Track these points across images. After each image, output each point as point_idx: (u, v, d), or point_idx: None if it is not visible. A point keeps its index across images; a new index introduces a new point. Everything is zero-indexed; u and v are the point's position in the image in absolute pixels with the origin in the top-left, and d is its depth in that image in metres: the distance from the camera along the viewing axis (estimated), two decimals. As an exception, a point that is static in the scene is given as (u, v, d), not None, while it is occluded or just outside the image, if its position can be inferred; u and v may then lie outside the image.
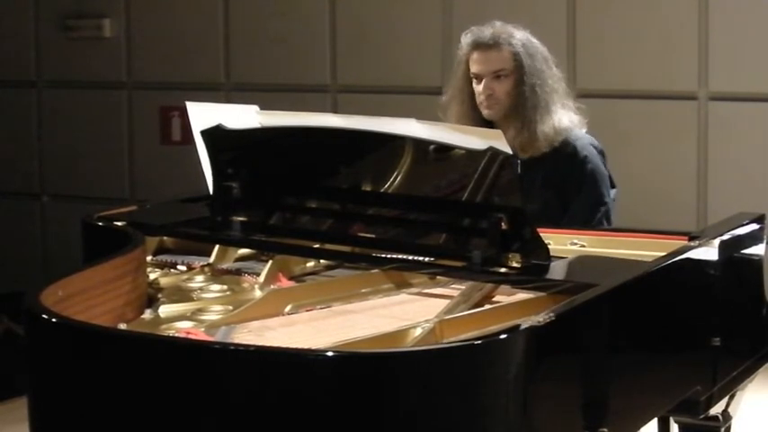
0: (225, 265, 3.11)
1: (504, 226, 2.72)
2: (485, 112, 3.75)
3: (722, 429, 3.05)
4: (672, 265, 2.73)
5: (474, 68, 3.75)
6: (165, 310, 2.73)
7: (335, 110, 6.42)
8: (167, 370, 2.19)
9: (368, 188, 2.99)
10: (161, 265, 3.14)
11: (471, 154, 2.74)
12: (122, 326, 2.57)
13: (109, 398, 2.24)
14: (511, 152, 2.70)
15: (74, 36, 7.40)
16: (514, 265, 2.72)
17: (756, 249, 3.09)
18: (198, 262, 3.14)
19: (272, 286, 2.89)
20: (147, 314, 2.72)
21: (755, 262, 3.10)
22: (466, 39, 3.79)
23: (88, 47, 7.36)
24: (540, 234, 2.75)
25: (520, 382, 2.20)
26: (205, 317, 2.68)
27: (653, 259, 2.77)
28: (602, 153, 3.78)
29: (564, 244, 3.12)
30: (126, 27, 7.27)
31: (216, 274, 3.05)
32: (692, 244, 2.88)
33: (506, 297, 2.76)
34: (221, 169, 3.15)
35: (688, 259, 2.80)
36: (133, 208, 3.50)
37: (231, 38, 6.96)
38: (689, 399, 2.79)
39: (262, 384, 2.12)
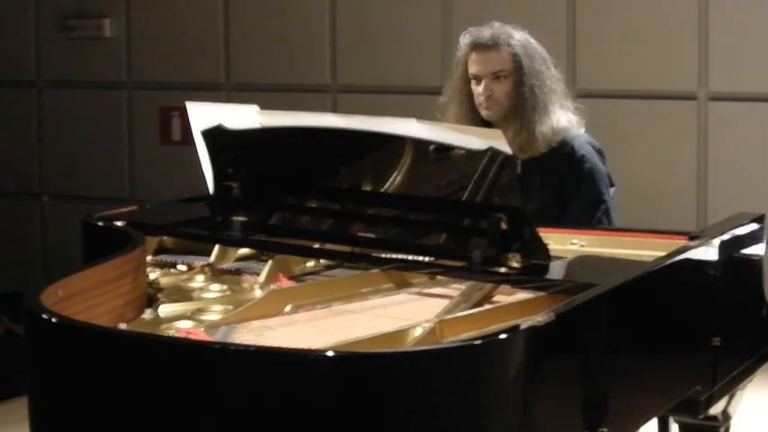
0: (225, 265, 3.11)
1: (503, 226, 2.72)
2: (484, 113, 3.74)
3: (722, 429, 3.06)
4: (672, 265, 2.73)
5: (473, 69, 3.75)
6: (165, 310, 2.73)
7: (335, 110, 6.42)
8: (167, 370, 2.19)
9: (368, 188, 2.99)
10: (161, 265, 3.14)
11: (471, 154, 2.74)
12: (122, 326, 2.57)
13: (109, 398, 2.24)
14: (511, 152, 2.70)
15: (74, 36, 7.40)
16: (514, 265, 2.72)
17: (756, 249, 3.09)
18: (198, 262, 3.14)
19: (272, 286, 2.89)
20: (147, 314, 2.72)
21: (755, 262, 3.10)
22: (464, 39, 3.79)
23: (88, 47, 7.37)
24: (540, 234, 2.75)
25: (520, 382, 2.20)
26: (205, 317, 2.68)
27: (653, 259, 2.77)
28: (600, 152, 3.78)
29: (564, 244, 3.13)
30: (126, 27, 7.27)
31: (216, 274, 3.05)
32: (692, 244, 2.89)
33: (506, 297, 2.76)
34: (221, 169, 3.15)
35: (688, 259, 2.80)
36: (133, 208, 3.50)
37: (231, 38, 6.96)
38: (689, 398, 2.79)
39: (262, 384, 2.12)
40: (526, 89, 3.69)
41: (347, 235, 3.00)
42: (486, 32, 3.75)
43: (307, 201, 3.10)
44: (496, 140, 2.71)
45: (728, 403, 3.04)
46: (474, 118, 3.76)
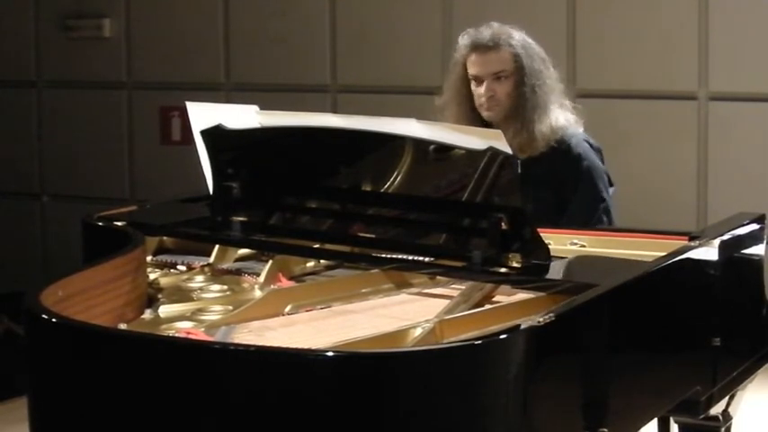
0: (225, 265, 3.11)
1: (504, 226, 2.72)
2: (485, 114, 3.74)
3: (722, 429, 3.05)
4: (672, 265, 2.73)
5: (473, 70, 3.75)
6: (165, 310, 2.73)
7: (335, 110, 6.42)
8: (167, 370, 2.19)
9: (368, 188, 2.99)
10: (161, 265, 3.14)
11: (471, 154, 2.74)
12: (122, 326, 2.57)
13: (109, 398, 2.24)
14: (511, 152, 2.70)
15: (74, 36, 7.41)
16: (514, 265, 2.72)
17: (756, 249, 3.09)
18: (198, 262, 3.14)
19: (272, 286, 2.89)
20: (147, 314, 2.72)
21: (755, 262, 3.10)
22: (463, 40, 3.78)
23: (88, 47, 7.37)
24: (540, 234, 2.75)
25: (520, 382, 2.20)
26: (205, 317, 2.68)
27: (653, 259, 2.77)
28: (598, 150, 3.77)
29: (564, 244, 3.12)
30: (126, 27, 7.27)
31: (216, 274, 3.05)
32: (692, 244, 2.88)
33: (506, 297, 2.76)
34: (221, 169, 3.15)
35: (688, 259, 2.80)
36: (133, 208, 3.50)
37: (231, 38, 6.96)
38: (689, 399, 2.79)
39: (262, 384, 2.12)
40: (527, 89, 3.69)
41: (347, 235, 3.00)
42: (485, 33, 3.74)
43: (307, 201, 3.10)
44: (496, 140, 2.71)
45: (729, 403, 3.04)
46: (474, 119, 3.76)
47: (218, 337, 2.50)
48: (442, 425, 2.13)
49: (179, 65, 7.06)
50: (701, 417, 2.88)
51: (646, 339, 2.66)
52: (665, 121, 5.91)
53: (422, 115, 3.00)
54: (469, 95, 3.76)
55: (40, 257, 7.64)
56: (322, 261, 3.12)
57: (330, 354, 2.14)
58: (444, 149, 2.83)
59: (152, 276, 2.99)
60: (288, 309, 2.72)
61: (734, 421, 3.11)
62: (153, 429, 2.20)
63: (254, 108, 3.13)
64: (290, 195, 3.12)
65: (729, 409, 3.06)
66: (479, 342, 2.18)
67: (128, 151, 7.35)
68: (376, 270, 2.92)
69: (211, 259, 3.14)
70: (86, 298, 2.56)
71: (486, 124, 3.72)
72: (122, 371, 2.23)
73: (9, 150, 7.70)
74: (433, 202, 2.87)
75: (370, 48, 6.55)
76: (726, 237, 2.92)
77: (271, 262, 2.98)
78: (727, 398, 3.00)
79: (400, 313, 2.68)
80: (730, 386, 2.96)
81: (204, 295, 2.86)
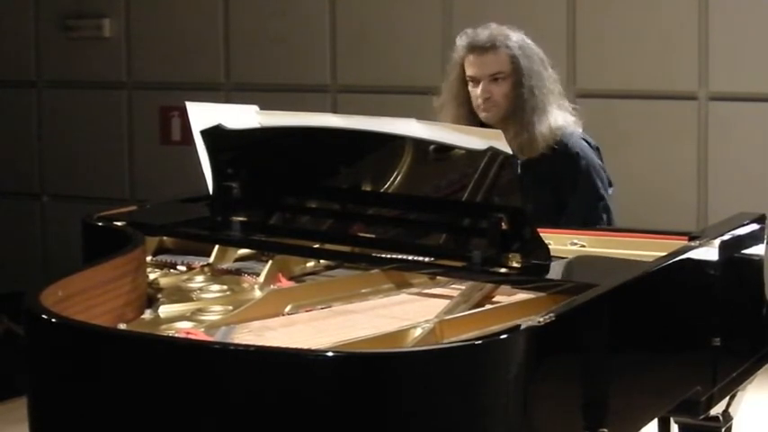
0: (225, 265, 3.11)
1: (504, 226, 2.72)
2: (482, 115, 3.73)
3: (723, 430, 3.05)
4: (672, 265, 2.73)
5: (470, 71, 3.74)
6: (165, 310, 2.73)
7: (335, 110, 6.42)
8: (167, 370, 2.19)
9: (368, 188, 2.99)
10: (161, 265, 3.14)
11: (471, 154, 2.74)
12: (122, 326, 2.57)
13: (109, 398, 2.24)
14: (511, 152, 2.70)
15: (74, 36, 7.41)
16: (514, 265, 2.72)
17: (756, 249, 3.09)
18: (198, 262, 3.13)
19: (272, 286, 2.89)
20: (147, 314, 2.72)
21: (756, 262, 3.10)
22: (461, 41, 3.77)
23: (88, 47, 7.37)
24: (540, 234, 2.75)
25: (520, 382, 2.20)
26: (205, 317, 2.68)
27: (653, 259, 2.77)
28: (596, 149, 3.77)
29: (564, 244, 3.12)
30: (126, 27, 7.27)
31: (216, 274, 3.05)
32: (692, 244, 2.88)
33: (506, 297, 2.76)
34: (221, 169, 3.15)
35: (688, 259, 2.80)
36: (133, 208, 3.50)
37: (231, 38, 6.96)
38: (689, 399, 2.79)
39: (262, 384, 2.12)
40: (525, 90, 3.68)
41: (347, 235, 3.00)
42: (483, 34, 3.73)
43: (307, 201, 3.10)
44: (496, 140, 2.71)
45: (729, 404, 3.04)
46: (472, 119, 3.75)
47: (218, 337, 2.50)
48: (442, 425, 2.13)
49: (179, 65, 7.07)
50: (702, 417, 2.88)
51: (646, 339, 2.66)
52: (665, 121, 5.91)
53: (422, 115, 2.99)
54: (467, 96, 3.76)
55: (40, 257, 7.65)
56: (322, 261, 3.12)
57: (330, 354, 2.14)
58: (444, 149, 2.83)
59: (152, 276, 2.99)
60: (288, 309, 2.72)
61: (734, 421, 3.11)
62: (153, 429, 2.20)
63: (254, 108, 3.13)
64: (290, 195, 3.12)
65: (730, 410, 3.06)
66: (479, 342, 2.18)
67: (128, 151, 7.35)
68: (376, 270, 2.92)
69: (211, 259, 3.14)
70: (86, 298, 2.56)
71: (483, 125, 3.71)
72: (122, 371, 2.23)
73: (9, 150, 7.71)
74: (432, 202, 2.87)
75: (370, 48, 6.55)
76: (726, 237, 2.92)
77: (271, 262, 2.98)
78: (727, 398, 3.00)
79: (400, 313, 2.68)
80: (730, 386, 2.96)
81: (204, 295, 2.86)
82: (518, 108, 3.69)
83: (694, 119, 5.83)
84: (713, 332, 2.85)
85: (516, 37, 3.74)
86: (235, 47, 6.95)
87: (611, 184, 3.78)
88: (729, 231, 2.98)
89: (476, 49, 3.72)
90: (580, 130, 3.78)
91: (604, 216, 3.70)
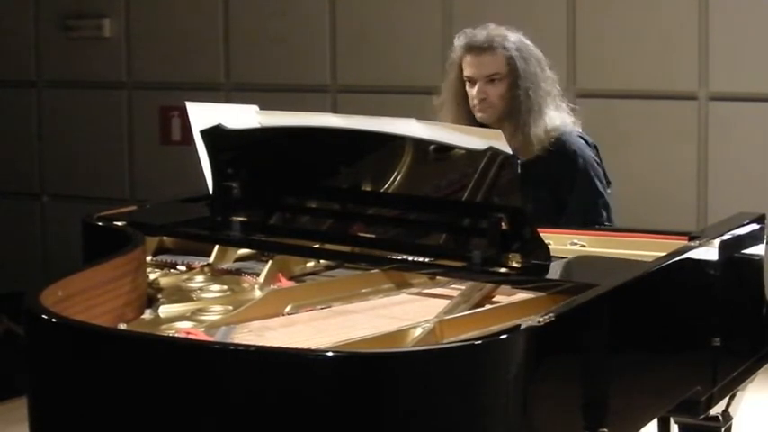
0: (225, 265, 3.11)
1: (504, 226, 2.72)
2: (478, 116, 3.73)
3: (722, 430, 3.05)
4: (672, 265, 2.73)
5: (467, 71, 3.74)
6: (165, 310, 2.73)
7: (335, 110, 6.42)
8: (167, 370, 2.19)
9: (368, 188, 2.99)
10: (161, 265, 3.14)
11: (471, 154, 2.74)
12: (122, 326, 2.57)
13: (109, 398, 2.24)
14: (511, 152, 2.70)
15: (74, 36, 7.41)
16: (514, 265, 2.72)
17: (756, 249, 3.09)
18: (198, 262, 3.14)
19: (272, 286, 2.89)
20: (147, 314, 2.72)
21: (755, 262, 3.10)
22: (459, 41, 3.77)
23: (88, 47, 7.37)
24: (540, 234, 2.75)
25: (520, 382, 2.20)
26: (205, 317, 2.68)
27: (653, 259, 2.77)
28: (594, 147, 3.77)
29: (564, 244, 3.12)
30: (126, 27, 7.27)
31: (216, 274, 3.05)
32: (692, 244, 2.88)
33: (506, 297, 2.76)
34: (221, 169, 3.15)
35: (688, 259, 2.80)
36: (133, 208, 3.50)
37: (231, 38, 6.96)
38: (689, 399, 2.79)
39: (262, 384, 2.12)
40: (521, 92, 3.68)
41: (347, 235, 3.00)
42: (480, 34, 3.73)
43: (307, 201, 3.10)
44: (496, 140, 2.71)
45: (729, 404, 3.04)
46: (469, 120, 3.75)
47: (218, 337, 2.50)
48: (442, 425, 2.13)
49: (179, 65, 7.07)
50: (701, 417, 2.88)
51: (646, 339, 2.66)
52: (665, 121, 5.91)
53: (422, 115, 2.99)
54: (465, 97, 3.75)
55: (40, 257, 7.65)
56: (322, 261, 3.12)
57: (330, 354, 2.14)
58: (444, 149, 2.83)
59: (152, 276, 2.99)
60: (288, 309, 2.72)
61: (734, 421, 3.11)
62: (153, 429, 2.20)
63: (254, 108, 3.13)
64: (290, 195, 3.12)
65: (729, 410, 3.06)
66: (479, 342, 2.18)
67: (128, 151, 7.35)
68: (376, 270, 2.92)
69: (211, 259, 3.14)
70: (86, 298, 2.56)
71: (481, 125, 3.71)
72: (122, 371, 2.23)
73: (9, 150, 7.71)
74: (432, 202, 2.87)
75: (370, 48, 6.55)
76: (726, 237, 2.92)
77: (271, 262, 2.98)
78: (727, 398, 3.00)
79: (400, 313, 2.68)
80: (730, 386, 2.96)
81: (204, 295, 2.86)
82: (514, 109, 3.69)
83: (694, 119, 5.83)
84: (713, 332, 2.85)
85: (514, 38, 3.74)
86: (235, 47, 6.95)
87: (609, 184, 3.77)
88: (729, 231, 2.98)
89: (473, 49, 3.72)
90: (579, 130, 3.78)
91: (604, 213, 3.70)
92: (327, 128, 3.03)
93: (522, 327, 2.21)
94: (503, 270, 2.72)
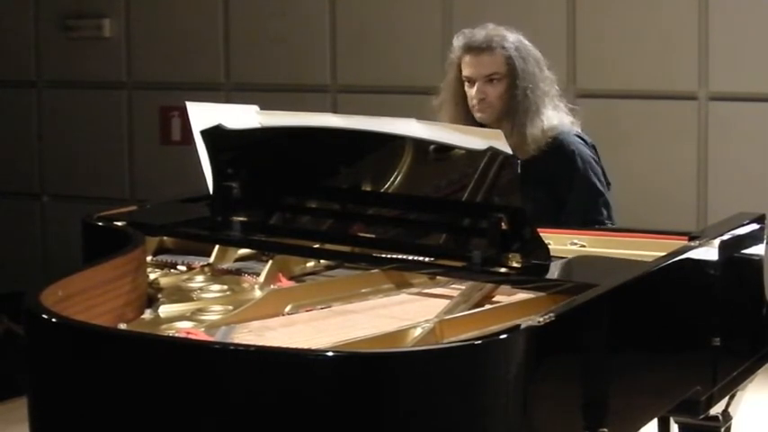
0: (225, 265, 3.11)
1: (504, 226, 2.72)
2: (477, 116, 3.73)
3: (722, 429, 3.05)
4: (672, 265, 2.73)
5: (466, 71, 3.74)
6: (165, 310, 2.73)
7: (335, 110, 6.42)
8: (167, 370, 2.19)
9: (368, 188, 2.99)
10: (161, 265, 3.14)
11: (471, 154, 2.74)
12: (122, 326, 2.57)
13: (109, 398, 2.24)
14: (511, 152, 2.70)
15: (74, 36, 7.41)
16: (514, 265, 2.72)
17: (756, 249, 3.09)
18: (198, 262, 3.14)
19: (272, 286, 2.89)
20: (147, 314, 2.72)
21: (755, 262, 3.10)
22: (458, 41, 3.77)
23: (88, 47, 7.37)
24: (540, 234, 2.75)
25: (520, 382, 2.20)
26: (205, 317, 2.68)
27: (653, 259, 2.77)
28: (592, 147, 3.77)
29: (564, 244, 3.12)
30: (126, 27, 7.27)
31: (216, 274, 3.05)
32: (692, 244, 2.88)
33: (506, 297, 2.76)
34: (221, 169, 3.15)
35: (688, 259, 2.80)
36: (133, 208, 3.50)
37: (231, 38, 6.96)
38: (689, 399, 2.79)
39: (262, 384, 2.12)
40: (519, 92, 3.68)
41: (347, 235, 3.00)
42: (479, 34, 3.73)
43: (307, 201, 3.10)
44: (496, 140, 2.71)
45: (729, 403, 3.04)
46: (468, 120, 3.75)
47: (218, 337, 2.50)
48: (441, 425, 2.13)
49: (179, 65, 7.06)
50: (701, 417, 2.88)
51: (646, 339, 2.66)
52: (665, 121, 5.91)
53: (422, 115, 3.00)
54: (464, 96, 3.75)
55: (40, 257, 7.64)
56: (322, 261, 3.12)
57: (330, 354, 2.14)
58: (444, 149, 2.83)
59: (152, 276, 2.99)
60: (288, 309, 2.72)
61: (734, 421, 3.11)
62: (153, 429, 2.20)
63: (254, 108, 3.13)
64: (290, 195, 3.12)
65: (729, 409, 3.06)
66: (479, 342, 2.18)
67: (128, 151, 7.35)
68: (376, 270, 2.92)
69: (211, 259, 3.14)
70: (86, 298, 2.56)
71: (480, 125, 3.71)
72: (122, 371, 2.23)
73: (9, 150, 7.71)
74: (432, 202, 2.87)
75: (370, 48, 6.55)
76: (726, 237, 2.92)
77: (271, 262, 2.98)
78: (727, 398, 3.00)
79: (400, 313, 2.68)
80: (730, 386, 2.96)
81: (204, 295, 2.86)
82: (512, 109, 3.69)
83: (694, 119, 5.83)
84: (713, 332, 2.85)
85: (513, 38, 3.74)
86: (235, 47, 6.95)
87: (608, 185, 3.77)
88: (729, 231, 2.98)
89: (472, 49, 3.72)
90: (578, 130, 3.78)
91: (605, 211, 3.69)
92: (327, 128, 3.03)
93: (522, 327, 2.21)
94: (503, 270, 2.72)
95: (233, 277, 3.01)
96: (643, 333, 2.64)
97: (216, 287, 2.91)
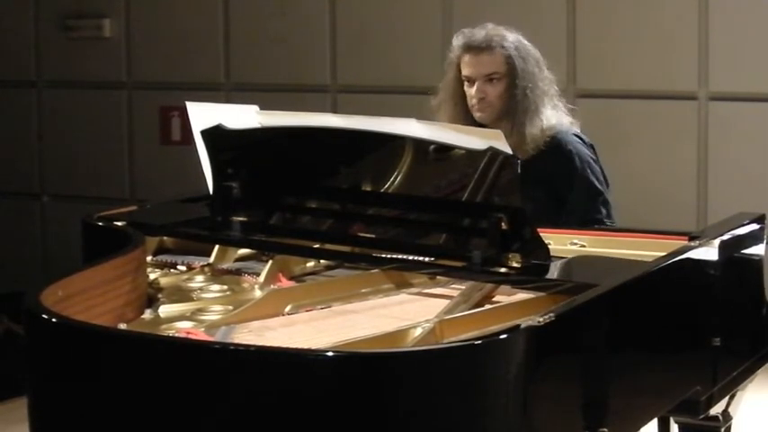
0: (225, 265, 3.11)
1: (504, 226, 2.72)
2: (476, 115, 3.73)
3: (722, 429, 3.05)
4: (672, 265, 2.73)
5: (466, 71, 3.74)
6: (165, 310, 2.73)
7: (335, 110, 6.42)
8: (167, 370, 2.19)
9: (368, 188, 2.99)
10: (161, 265, 3.14)
11: (471, 154, 2.74)
12: (122, 326, 2.57)
13: (109, 398, 2.24)
14: (511, 152, 2.70)
15: (74, 36, 7.40)
16: (514, 265, 2.72)
17: (756, 249, 3.09)
18: (198, 262, 3.14)
19: (272, 286, 2.89)
20: (147, 314, 2.72)
21: (755, 262, 3.10)
22: (457, 41, 3.77)
23: (88, 47, 7.37)
24: (540, 234, 2.75)
25: (520, 382, 2.20)
26: (205, 317, 2.68)
27: (653, 259, 2.77)
28: (591, 146, 3.77)
29: (564, 244, 3.12)
30: (126, 27, 7.27)
31: (216, 274, 3.05)
32: (692, 244, 2.88)
33: (506, 297, 2.76)
34: (221, 169, 3.15)
35: (688, 259, 2.80)
36: (133, 208, 3.50)
37: (231, 38, 6.96)
38: (689, 399, 2.79)
39: (262, 384, 2.12)
40: (518, 91, 3.68)
41: (347, 235, 3.00)
42: (479, 34, 3.73)
43: (307, 201, 3.10)
44: (496, 140, 2.71)
45: (729, 403, 3.04)
46: (468, 120, 3.75)
47: (218, 337, 2.50)
48: (441, 425, 2.13)
49: (179, 65, 7.06)
50: (701, 417, 2.88)
51: (646, 339, 2.66)
52: (665, 121, 5.91)
53: (422, 115, 3.00)
54: (463, 96, 3.76)
55: (40, 257, 7.64)
56: (322, 261, 3.12)
57: (330, 354, 2.14)
58: (444, 149, 2.83)
59: (152, 276, 2.99)
60: (288, 309, 2.72)
61: (734, 421, 3.11)
62: (153, 429, 2.20)
63: (254, 108, 3.13)
64: (290, 195, 3.12)
65: (729, 409, 3.06)
66: (479, 342, 2.18)
67: (128, 151, 7.35)
68: (376, 270, 2.92)
69: (211, 259, 3.14)
70: (86, 298, 2.56)
71: (479, 125, 3.71)
72: (122, 371, 2.23)
73: (9, 150, 7.70)
74: (432, 202, 2.87)
75: (370, 48, 6.54)
76: (726, 237, 2.92)
77: (271, 262, 2.98)
78: (727, 398, 3.00)
79: (400, 313, 2.68)
80: (730, 386, 2.96)
81: (204, 295, 2.86)
82: (511, 109, 3.69)
83: (694, 119, 5.83)
84: (713, 332, 2.85)
85: (512, 37, 3.74)
86: (235, 47, 6.95)
87: (607, 185, 3.77)
88: (729, 231, 2.98)
89: (472, 48, 3.73)
90: (576, 130, 3.78)
91: (604, 210, 3.69)
92: (327, 128, 3.03)
93: (522, 327, 2.21)
94: (503, 270, 2.72)
95: (233, 277, 3.01)
96: (643, 333, 2.64)
97: (216, 287, 2.91)
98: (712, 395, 2.86)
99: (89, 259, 2.99)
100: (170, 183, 6.62)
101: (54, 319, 2.33)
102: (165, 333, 2.55)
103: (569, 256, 2.94)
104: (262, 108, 3.13)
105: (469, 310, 2.64)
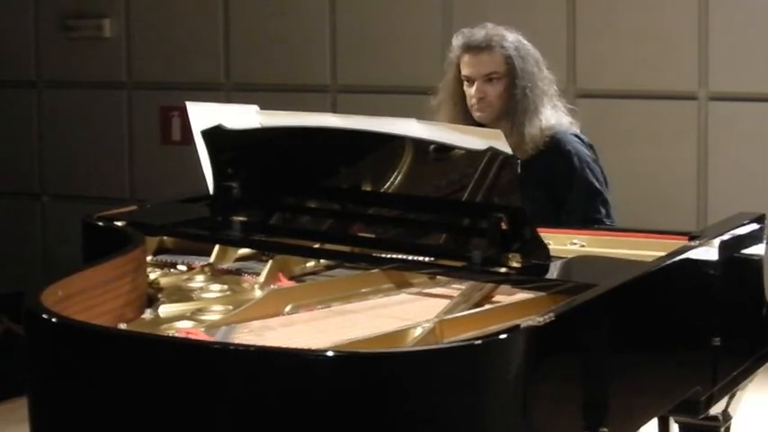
0: (225, 265, 3.11)
1: (504, 226, 2.72)
2: (476, 115, 3.73)
3: (722, 429, 3.05)
4: (672, 265, 2.73)
5: (465, 71, 3.74)
6: (165, 310, 2.73)
7: (335, 110, 6.42)
8: (167, 370, 2.19)
9: (368, 188, 2.99)
10: (161, 265, 3.14)
11: (471, 154, 2.74)
12: (122, 326, 2.57)
13: (109, 398, 2.24)
14: (511, 152, 2.70)
15: (74, 36, 7.40)
16: (514, 265, 2.72)
17: (756, 249, 3.09)
18: (198, 262, 3.14)
19: (272, 286, 2.89)
20: (147, 314, 2.72)
21: (755, 262, 3.10)
22: (457, 41, 3.77)
23: (88, 47, 7.37)
24: (540, 234, 2.75)
25: (520, 381, 2.20)
26: (205, 317, 2.68)
27: (653, 259, 2.77)
28: (590, 146, 3.77)
29: (564, 244, 3.12)
30: (126, 27, 7.27)
31: (216, 274, 3.05)
32: (692, 244, 2.88)
33: (506, 297, 2.76)
34: (221, 169, 3.15)
35: (688, 259, 2.80)
36: (133, 208, 3.50)
37: (231, 38, 6.96)
38: (689, 399, 2.79)
39: (262, 384, 2.12)
40: (518, 91, 3.68)
41: (347, 235, 3.00)
42: (479, 34, 3.73)
43: (307, 201, 3.10)
44: (496, 140, 2.71)
45: (729, 403, 3.04)
46: (467, 120, 3.75)
47: (218, 337, 2.50)
48: (441, 425, 2.13)
49: (179, 65, 7.06)
50: (701, 417, 2.88)
51: (646, 339, 2.66)
52: (665, 121, 5.91)
53: (422, 115, 3.00)
54: (463, 96, 3.76)
55: (40, 257, 7.64)
56: (322, 261, 3.12)
57: (330, 354, 2.14)
58: (444, 149, 2.83)
59: (152, 276, 2.99)
60: (288, 309, 2.72)
61: (734, 421, 3.11)
62: (153, 429, 2.20)
63: (254, 108, 3.13)
64: (291, 195, 3.12)
65: (729, 409, 3.06)
66: (479, 342, 2.18)
67: (128, 151, 7.35)
68: (376, 270, 2.92)
69: (211, 259, 3.14)
70: (86, 298, 2.56)
71: (479, 125, 3.71)
72: (122, 371, 2.23)
73: (9, 150, 7.70)
74: (432, 202, 2.87)
75: (370, 48, 6.54)
76: (726, 237, 2.92)
77: (271, 262, 2.98)
78: (726, 398, 3.00)
79: (400, 313, 2.68)
80: (730, 386, 2.96)
81: (204, 295, 2.87)
82: (510, 109, 3.69)
83: (694, 119, 5.83)
84: (713, 332, 2.85)
85: (512, 37, 3.74)
86: (235, 47, 6.95)
87: (607, 186, 3.77)
88: (729, 231, 2.98)
89: (471, 48, 3.73)
90: (576, 130, 3.78)
91: (603, 210, 3.69)
92: (327, 128, 3.03)
93: (522, 327, 2.21)
94: (503, 270, 2.72)
95: (233, 277, 3.01)
96: (643, 333, 2.64)
97: (216, 287, 2.91)
98: (712, 395, 2.86)
99: (89, 259, 2.99)
100: (170, 183, 6.62)
101: (54, 319, 2.33)
102: (165, 333, 2.55)
103: (569, 256, 2.94)
104: (262, 108, 3.13)
105: (469, 310, 2.64)
